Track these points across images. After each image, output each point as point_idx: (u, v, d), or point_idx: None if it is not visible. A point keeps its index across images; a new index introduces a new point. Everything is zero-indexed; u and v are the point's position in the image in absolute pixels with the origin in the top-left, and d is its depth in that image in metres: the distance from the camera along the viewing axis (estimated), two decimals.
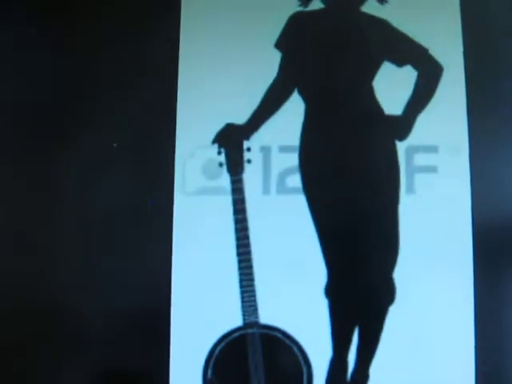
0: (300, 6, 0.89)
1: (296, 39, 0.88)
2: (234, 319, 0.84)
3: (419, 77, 0.86)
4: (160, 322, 0.83)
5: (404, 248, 0.84)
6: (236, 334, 0.84)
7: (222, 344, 0.84)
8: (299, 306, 0.83)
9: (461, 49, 0.86)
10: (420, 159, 0.85)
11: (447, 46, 0.86)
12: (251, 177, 0.86)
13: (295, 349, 0.83)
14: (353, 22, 0.89)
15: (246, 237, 0.85)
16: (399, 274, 0.84)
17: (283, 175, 0.86)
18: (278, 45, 0.87)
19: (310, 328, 0.83)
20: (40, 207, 0.87)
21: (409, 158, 0.85)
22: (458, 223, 0.84)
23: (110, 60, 0.89)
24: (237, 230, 0.85)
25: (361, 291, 0.85)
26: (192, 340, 0.83)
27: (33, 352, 0.85)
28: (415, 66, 0.87)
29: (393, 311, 0.83)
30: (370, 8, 0.88)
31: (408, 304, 0.83)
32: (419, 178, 0.85)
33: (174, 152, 0.86)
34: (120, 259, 0.86)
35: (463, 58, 0.86)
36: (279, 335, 0.84)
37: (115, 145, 0.87)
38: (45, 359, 0.85)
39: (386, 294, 0.84)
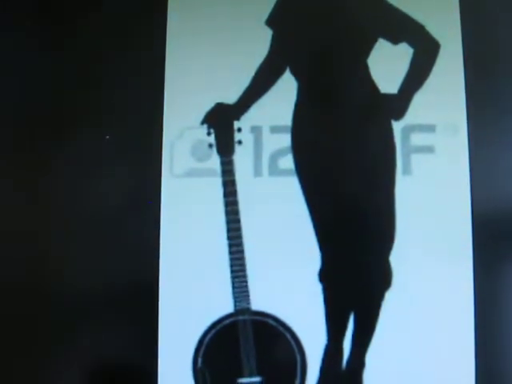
0: None
1: (287, 16, 0.85)
2: (224, 306, 0.81)
3: (415, 54, 0.84)
4: (147, 309, 0.80)
5: (401, 231, 0.81)
6: (227, 321, 0.81)
7: (213, 332, 0.81)
8: (292, 291, 0.81)
9: (458, 25, 0.84)
10: (417, 139, 0.83)
11: (444, 22, 0.84)
12: (242, 158, 0.83)
13: (288, 336, 0.81)
14: None
15: (237, 220, 0.82)
16: (396, 258, 0.81)
17: (275, 156, 0.83)
18: (269, 22, 0.85)
19: (304, 314, 0.80)
20: (28, 188, 0.85)
21: (405, 138, 0.83)
22: (456, 205, 0.81)
23: (95, 38, 0.86)
24: (227, 214, 0.82)
25: (356, 276, 0.82)
26: (181, 328, 0.80)
27: (19, 330, 0.82)
28: (411, 43, 0.84)
29: (389, 296, 0.81)
30: None
31: (405, 289, 0.80)
32: (416, 159, 0.82)
33: (161, 133, 0.83)
34: (106, 244, 0.83)
35: (461, 34, 0.84)
36: (272, 322, 0.81)
37: (107, 137, 0.84)
38: (32, 338, 0.82)
39: (383, 278, 0.81)
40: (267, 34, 0.85)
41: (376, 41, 0.84)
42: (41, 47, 0.87)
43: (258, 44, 0.84)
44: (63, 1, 0.88)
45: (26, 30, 0.87)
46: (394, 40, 0.84)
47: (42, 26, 0.88)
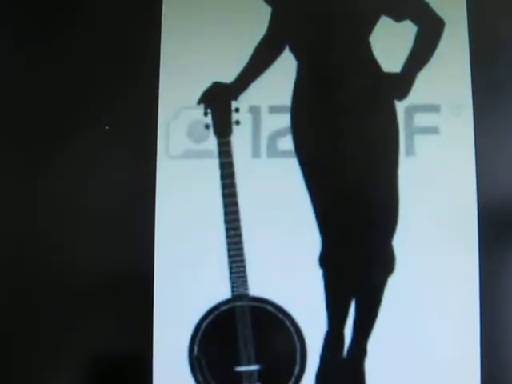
0: None
1: None
2: (221, 291, 0.79)
3: (419, 32, 0.81)
4: (141, 295, 0.78)
5: (404, 214, 0.79)
6: (224, 308, 0.79)
7: (209, 318, 0.79)
8: (292, 276, 0.78)
9: (463, 2, 0.81)
10: (420, 119, 0.80)
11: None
12: (240, 139, 0.81)
13: (288, 322, 0.78)
14: None
15: (235, 203, 0.80)
16: (399, 242, 0.79)
17: (274, 137, 0.81)
18: None
19: (304, 300, 0.78)
20: (27, 176, 0.83)
21: (408, 119, 0.80)
22: (461, 187, 0.79)
23: (91, 17, 0.84)
24: (224, 196, 0.80)
25: (358, 260, 0.79)
26: (176, 314, 0.78)
27: (16, 317, 0.80)
28: (415, 21, 0.81)
29: (392, 282, 0.78)
30: None
31: (408, 274, 0.78)
32: (419, 140, 0.80)
33: (156, 113, 0.81)
34: (100, 228, 0.80)
35: (466, 11, 0.81)
36: (270, 308, 0.79)
37: (107, 127, 0.82)
38: (31, 328, 0.80)
39: (385, 263, 0.78)
40: (266, 11, 0.82)
41: (378, 18, 0.82)
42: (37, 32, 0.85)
43: (257, 21, 0.82)
44: None
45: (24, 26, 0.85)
46: (397, 17, 0.81)
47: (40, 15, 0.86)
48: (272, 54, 0.82)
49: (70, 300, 0.80)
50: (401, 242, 0.79)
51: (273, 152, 0.81)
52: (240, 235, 0.80)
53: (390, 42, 0.81)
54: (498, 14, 0.82)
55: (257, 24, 0.82)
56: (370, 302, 0.79)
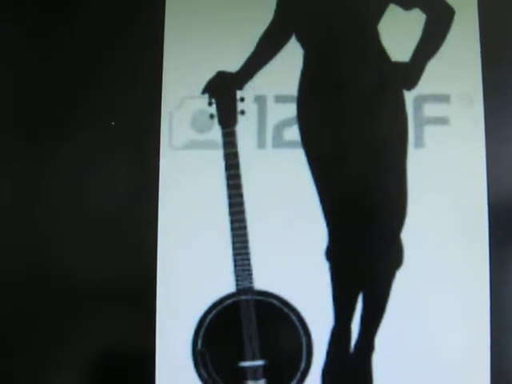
0: None
1: None
2: (226, 285, 0.77)
3: (428, 20, 0.79)
4: (145, 288, 0.77)
5: (413, 207, 0.77)
6: (228, 301, 0.77)
7: (213, 312, 0.77)
8: (298, 270, 0.77)
9: None
10: (430, 110, 0.79)
11: None
12: (245, 129, 0.79)
13: (293, 317, 0.77)
14: None
15: (240, 195, 0.78)
16: (408, 235, 0.77)
17: (280, 127, 0.79)
18: None
19: (310, 294, 0.77)
20: (29, 176, 0.81)
21: (417, 109, 0.79)
22: (471, 179, 0.77)
23: (93, 7, 0.82)
24: (229, 187, 0.78)
25: (365, 253, 0.78)
26: (180, 308, 0.77)
27: (18, 320, 0.79)
28: (424, 9, 0.80)
29: (400, 275, 0.77)
30: None
31: (417, 267, 0.76)
32: (429, 131, 0.78)
33: (159, 103, 0.79)
34: (103, 222, 0.79)
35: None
36: (276, 302, 0.77)
37: (113, 123, 0.80)
38: (32, 327, 0.79)
39: (393, 256, 0.77)
40: (272, 0, 0.81)
41: (387, 6, 0.80)
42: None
43: (263, 9, 0.80)
44: None
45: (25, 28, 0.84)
46: (406, 5, 0.80)
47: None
48: (278, 43, 0.80)
49: (73, 291, 0.78)
50: (410, 235, 0.77)
51: (278, 142, 0.79)
52: (245, 227, 0.78)
53: (399, 31, 0.79)
54: (510, 1, 0.81)
55: (263, 12, 0.80)
56: (377, 296, 0.77)
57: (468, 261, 0.76)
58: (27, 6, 0.83)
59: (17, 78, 0.82)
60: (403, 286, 0.77)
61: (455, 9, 0.80)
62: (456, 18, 0.80)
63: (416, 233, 0.77)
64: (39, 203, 0.80)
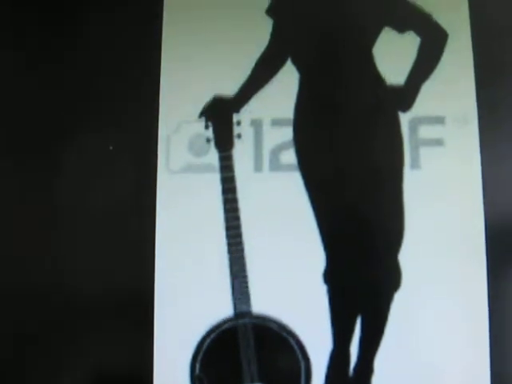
0: None
1: (289, 5, 0.82)
2: (223, 309, 0.77)
3: (422, 43, 0.80)
4: (142, 312, 0.76)
5: (410, 228, 0.77)
6: (226, 326, 0.77)
7: (211, 336, 0.77)
8: (296, 293, 0.77)
9: (467, 13, 0.81)
10: (425, 131, 0.79)
11: (452, 11, 0.81)
12: (241, 153, 0.80)
13: (292, 341, 0.76)
14: None
15: (237, 218, 0.78)
16: (405, 257, 0.77)
17: (276, 151, 0.80)
18: (270, 11, 0.82)
19: (308, 318, 0.76)
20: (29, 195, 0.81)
21: (413, 131, 0.79)
22: (467, 200, 0.77)
23: (92, 32, 0.83)
24: (226, 211, 0.78)
25: (363, 276, 0.78)
26: (178, 332, 0.76)
27: (17, 339, 0.79)
28: (418, 32, 0.81)
29: (398, 298, 0.76)
30: None
31: (415, 290, 0.76)
32: (425, 152, 0.79)
33: (157, 126, 0.80)
34: (100, 244, 0.79)
35: (469, 22, 0.80)
36: (274, 326, 0.77)
37: (111, 147, 0.81)
38: (30, 346, 0.78)
39: (391, 278, 0.77)
40: (268, 23, 0.81)
41: (381, 29, 0.81)
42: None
43: (258, 34, 0.81)
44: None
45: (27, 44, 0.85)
46: (401, 28, 0.80)
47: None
48: (274, 67, 0.81)
49: (71, 316, 0.78)
50: (407, 257, 0.77)
51: (275, 166, 0.80)
52: (242, 251, 0.78)
53: (394, 54, 0.80)
54: (502, 24, 0.81)
55: (258, 36, 0.81)
56: (376, 319, 0.77)
57: (466, 281, 0.76)
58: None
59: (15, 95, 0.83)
60: (402, 308, 0.76)
61: (449, 31, 0.81)
62: (449, 40, 0.81)
63: (413, 254, 0.77)
64: (40, 222, 0.80)
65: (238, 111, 0.81)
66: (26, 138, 0.82)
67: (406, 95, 0.80)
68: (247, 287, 0.77)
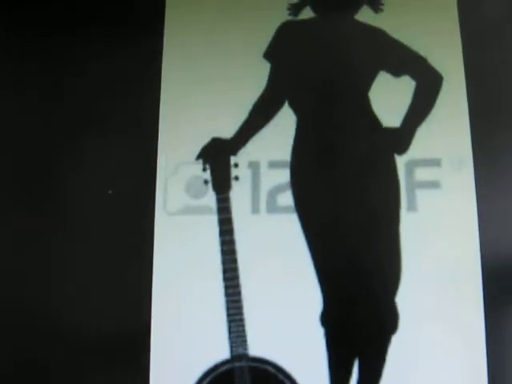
0: (290, 14, 0.84)
1: (286, 49, 0.83)
2: (220, 351, 0.77)
3: (418, 87, 0.81)
4: (138, 355, 0.76)
5: (407, 271, 0.77)
6: (223, 368, 0.76)
7: (208, 379, 0.76)
8: (292, 335, 0.76)
9: (460, 57, 0.82)
10: (421, 174, 0.80)
11: (446, 55, 0.82)
12: (239, 195, 0.80)
13: None
14: (346, 31, 0.84)
15: (234, 260, 0.78)
16: (402, 300, 0.77)
17: (273, 193, 0.80)
18: (267, 55, 0.83)
19: (305, 360, 0.76)
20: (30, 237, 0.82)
21: (409, 173, 0.80)
22: (464, 242, 0.77)
23: (92, 71, 0.85)
24: (223, 253, 0.78)
25: (360, 318, 0.77)
26: (174, 375, 0.76)
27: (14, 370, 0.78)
28: (413, 76, 0.82)
29: (396, 340, 0.76)
30: (365, 17, 0.84)
31: (413, 332, 0.76)
32: (421, 194, 0.79)
33: (154, 168, 0.80)
34: (97, 287, 0.79)
35: (463, 65, 0.81)
36: (271, 369, 0.76)
37: (110, 191, 0.81)
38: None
39: (388, 320, 0.76)
40: (265, 67, 0.83)
41: (377, 73, 0.82)
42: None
43: (256, 77, 0.82)
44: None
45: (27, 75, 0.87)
46: (396, 73, 0.82)
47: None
48: (271, 109, 0.82)
49: (66, 359, 0.78)
50: (404, 299, 0.77)
51: (272, 207, 0.80)
52: (239, 293, 0.78)
53: (389, 97, 0.81)
54: (495, 68, 0.82)
55: (256, 79, 0.82)
56: (373, 362, 0.76)
57: (463, 321, 0.76)
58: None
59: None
60: (399, 350, 0.76)
61: (443, 75, 0.82)
62: (444, 83, 0.82)
63: (411, 295, 0.77)
64: (38, 265, 0.80)
65: (235, 153, 0.81)
66: (25, 182, 0.83)
67: (402, 138, 0.80)
68: (244, 330, 0.77)
